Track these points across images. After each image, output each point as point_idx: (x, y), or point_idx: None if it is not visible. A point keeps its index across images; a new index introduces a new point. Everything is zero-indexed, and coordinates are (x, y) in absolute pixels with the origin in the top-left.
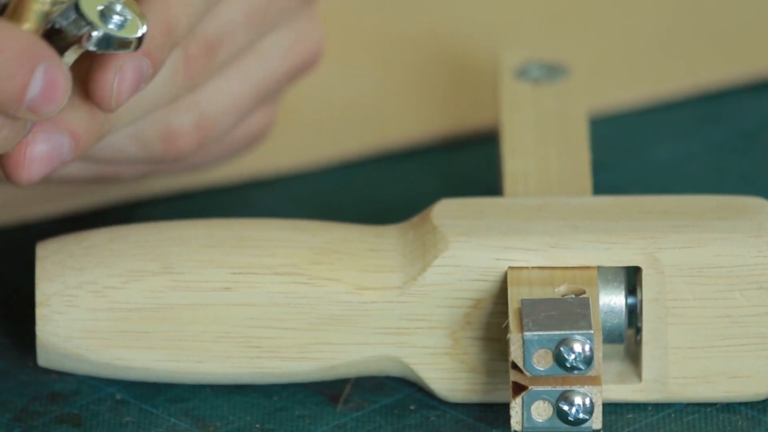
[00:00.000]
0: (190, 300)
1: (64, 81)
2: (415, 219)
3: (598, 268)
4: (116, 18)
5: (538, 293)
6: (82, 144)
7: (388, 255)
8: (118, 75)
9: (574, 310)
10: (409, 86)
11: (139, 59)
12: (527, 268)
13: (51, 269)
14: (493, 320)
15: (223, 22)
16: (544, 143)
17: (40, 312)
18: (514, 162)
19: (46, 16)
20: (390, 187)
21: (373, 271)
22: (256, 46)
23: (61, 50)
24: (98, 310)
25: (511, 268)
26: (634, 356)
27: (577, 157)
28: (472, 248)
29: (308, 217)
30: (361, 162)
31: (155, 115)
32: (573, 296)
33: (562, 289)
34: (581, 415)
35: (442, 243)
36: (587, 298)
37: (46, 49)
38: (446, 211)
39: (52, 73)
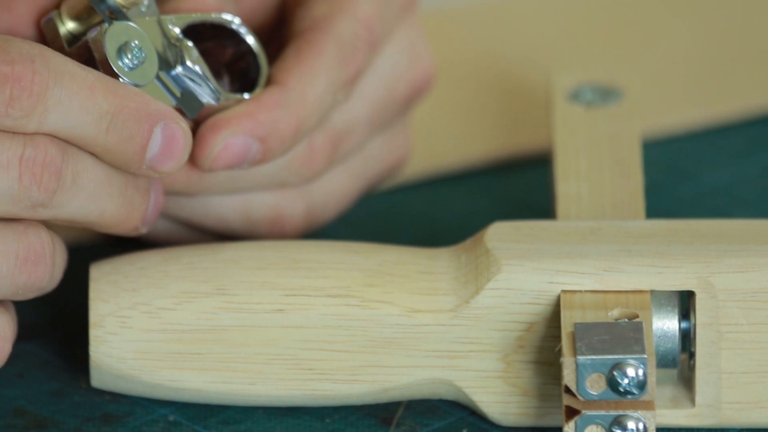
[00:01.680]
0: (242, 322)
1: (183, 138)
2: (468, 242)
3: (652, 292)
4: (128, 58)
5: (591, 317)
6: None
7: (441, 278)
8: (224, 144)
9: (627, 334)
10: (462, 109)
11: (252, 141)
12: (580, 291)
13: (105, 290)
14: (546, 344)
15: (349, 119)
16: (597, 166)
17: (93, 333)
18: (567, 185)
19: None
20: (443, 210)
21: (426, 293)
22: (362, 147)
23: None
24: (151, 331)
25: (564, 291)
26: (687, 381)
27: (630, 180)
28: (525, 271)
29: (361, 239)
30: (414, 184)
31: (267, 197)
32: (626, 320)
33: (615, 313)
34: None
35: (495, 266)
36: (640, 323)
37: (164, 108)
38: (499, 234)
39: (169, 131)
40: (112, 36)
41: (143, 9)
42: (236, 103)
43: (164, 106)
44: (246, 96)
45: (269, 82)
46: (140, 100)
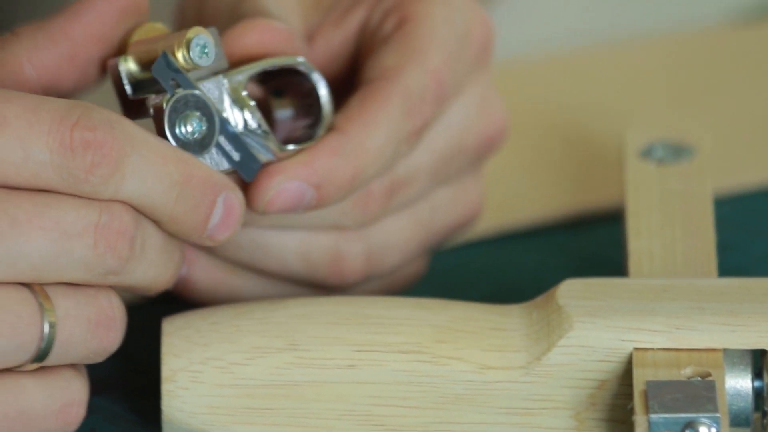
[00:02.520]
0: (314, 377)
1: (239, 207)
2: (540, 299)
3: (724, 350)
4: (188, 131)
5: (663, 375)
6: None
7: (513, 334)
8: (278, 188)
9: (700, 392)
10: (534, 164)
11: (307, 187)
12: (653, 349)
13: (177, 345)
14: (618, 401)
15: (410, 167)
16: (669, 223)
17: (166, 387)
18: (639, 242)
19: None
20: (513, 266)
21: (497, 350)
22: (429, 196)
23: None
24: (223, 386)
25: (636, 349)
26: None
27: (703, 237)
28: (597, 329)
29: (432, 295)
30: (484, 240)
31: (326, 238)
32: (699, 378)
33: (687, 371)
34: None
35: (567, 323)
36: (713, 381)
37: (225, 179)
38: (571, 291)
39: (229, 201)
40: (173, 108)
41: (210, 62)
42: (296, 154)
43: (224, 176)
44: (307, 145)
45: (331, 128)
46: (205, 170)
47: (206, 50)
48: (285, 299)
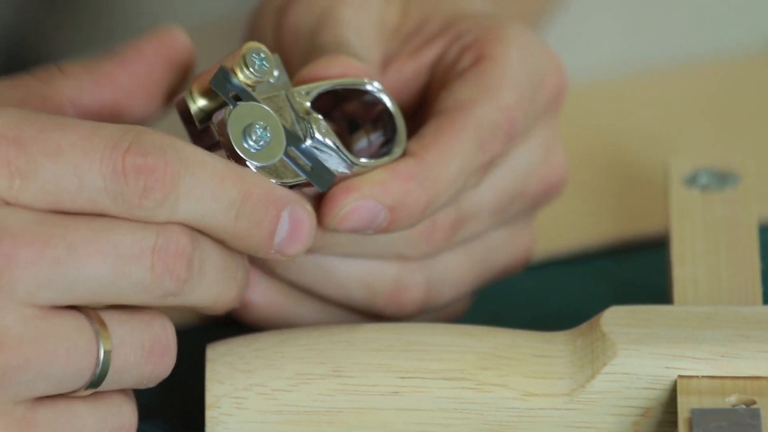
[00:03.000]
0: (358, 404)
1: (309, 221)
2: (584, 326)
3: None
4: (253, 140)
5: (707, 403)
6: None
7: (557, 361)
8: (353, 206)
9: (744, 420)
10: (578, 191)
11: (380, 208)
12: (697, 377)
13: (221, 371)
14: (662, 429)
15: (474, 203)
16: (714, 250)
17: (209, 414)
18: (683, 269)
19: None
20: (558, 293)
21: (541, 377)
22: (486, 235)
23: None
24: (267, 412)
25: (680, 376)
26: None
27: (747, 264)
28: (641, 356)
29: (475, 321)
30: (528, 268)
31: (388, 268)
32: (744, 406)
33: (732, 399)
34: None
35: (611, 350)
36: (758, 409)
37: (289, 193)
38: (615, 318)
39: (296, 215)
40: (235, 119)
41: (272, 81)
42: (371, 170)
43: (289, 191)
44: (381, 161)
45: (405, 153)
46: (267, 186)
47: (264, 62)
48: (329, 326)
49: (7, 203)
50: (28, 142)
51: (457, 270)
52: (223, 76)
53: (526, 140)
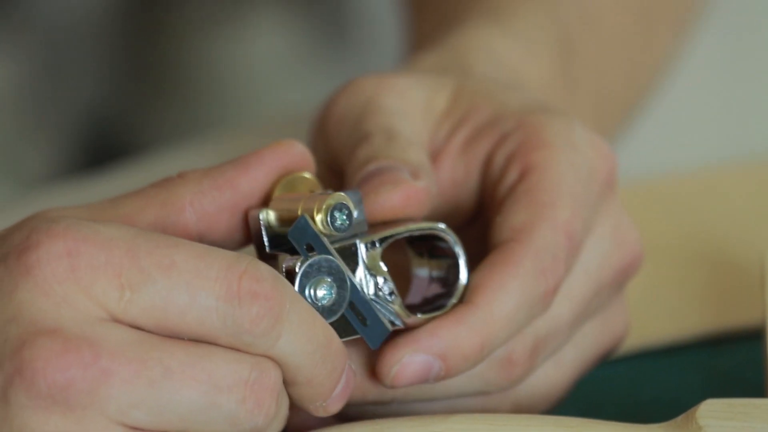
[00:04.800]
0: None
1: (353, 381)
2: (680, 419)
3: None
4: (319, 296)
5: None
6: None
7: None
8: (403, 362)
9: None
10: (673, 282)
11: (432, 359)
12: None
13: None
14: None
15: (551, 322)
16: None
17: None
18: None
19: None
20: (652, 385)
21: None
22: (573, 336)
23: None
24: None
25: None
26: None
27: None
28: None
29: (570, 411)
30: (623, 358)
31: (471, 402)
32: None
33: None
34: None
35: None
36: None
37: (346, 350)
38: (712, 411)
39: (350, 372)
40: (305, 272)
41: (349, 229)
42: (424, 323)
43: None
44: (435, 314)
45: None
46: (338, 337)
47: (346, 218)
48: (425, 416)
49: (114, 317)
50: (142, 255)
51: (547, 383)
52: (303, 226)
53: (590, 237)
